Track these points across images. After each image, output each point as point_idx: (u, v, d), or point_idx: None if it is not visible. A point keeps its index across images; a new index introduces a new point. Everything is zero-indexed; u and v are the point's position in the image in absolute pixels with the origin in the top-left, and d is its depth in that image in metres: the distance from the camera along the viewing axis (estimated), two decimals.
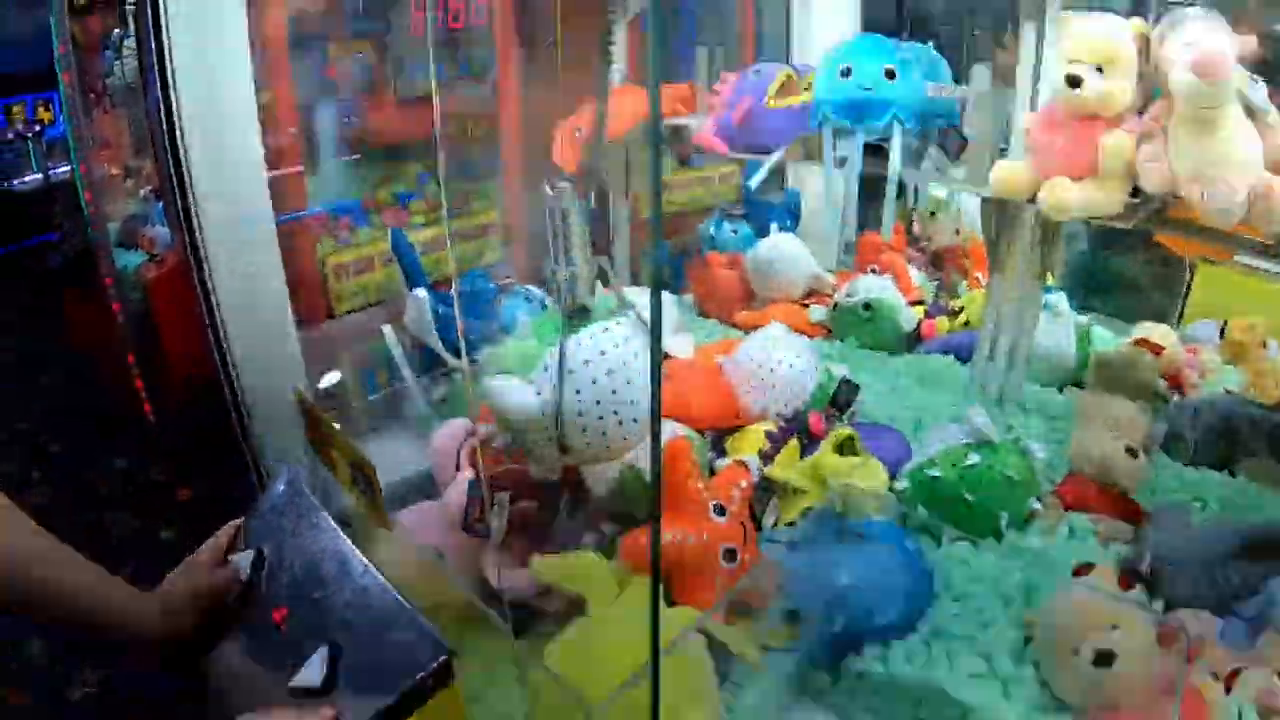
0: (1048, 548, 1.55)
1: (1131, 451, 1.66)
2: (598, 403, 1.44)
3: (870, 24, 3.19)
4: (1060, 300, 2.29)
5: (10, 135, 12.10)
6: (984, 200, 1.87)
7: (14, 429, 5.71)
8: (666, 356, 1.90)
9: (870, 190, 1.98)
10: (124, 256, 4.72)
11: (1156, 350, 2.25)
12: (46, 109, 12.23)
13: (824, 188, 1.91)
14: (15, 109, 12.20)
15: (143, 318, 4.43)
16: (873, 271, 2.56)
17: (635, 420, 1.48)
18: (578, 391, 1.43)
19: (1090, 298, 2.84)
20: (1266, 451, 1.85)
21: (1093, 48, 1.50)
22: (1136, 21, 1.52)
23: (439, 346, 2.07)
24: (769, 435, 1.73)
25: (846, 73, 1.79)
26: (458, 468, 1.60)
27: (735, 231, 2.85)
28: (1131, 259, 2.97)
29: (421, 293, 2.07)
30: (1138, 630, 1.23)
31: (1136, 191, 1.52)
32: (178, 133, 1.99)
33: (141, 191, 5.51)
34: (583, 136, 2.15)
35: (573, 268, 1.51)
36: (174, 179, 2.03)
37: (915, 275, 2.70)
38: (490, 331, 2.09)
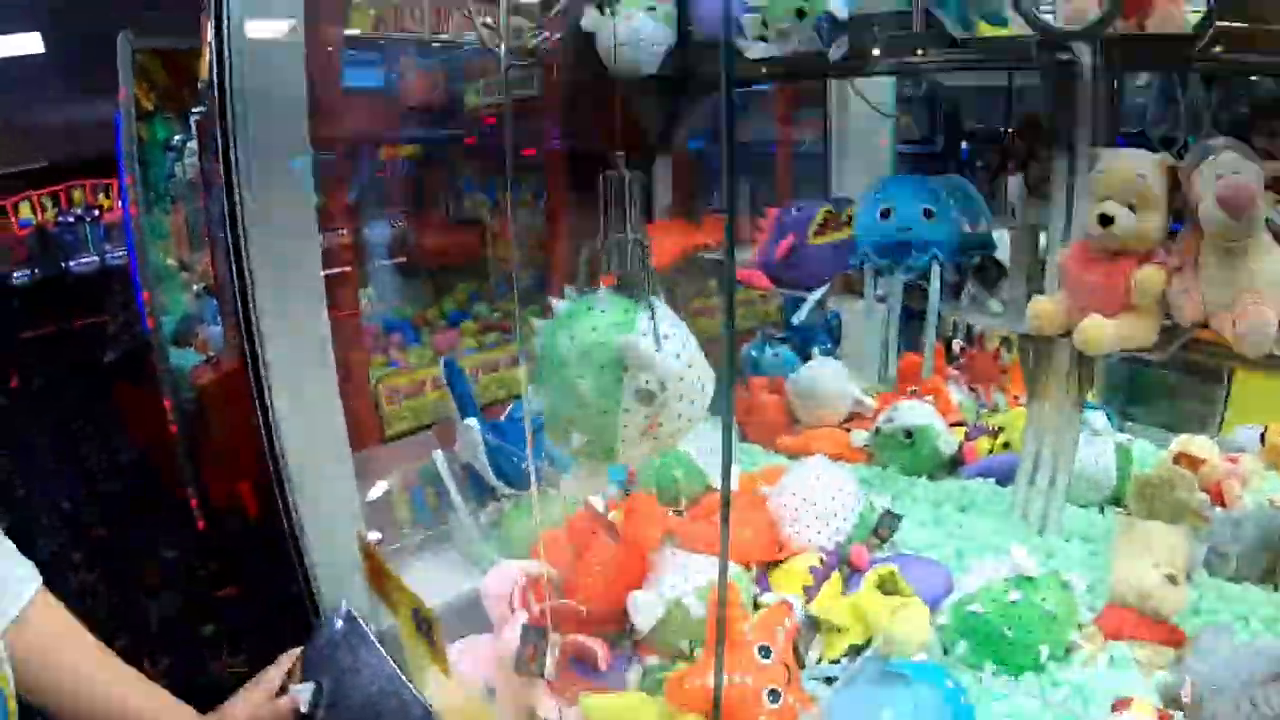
0: (1089, 679, 1.55)
1: (1171, 579, 1.66)
2: (690, 366, 1.45)
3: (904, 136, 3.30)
4: (1099, 419, 2.31)
5: (70, 218, 12.49)
6: (1021, 335, 1.90)
7: (60, 510, 5.78)
8: (709, 489, 1.95)
9: (911, 311, 2.03)
10: (178, 355, 4.85)
11: (1196, 464, 2.27)
12: (106, 195, 12.62)
13: (865, 316, 1.96)
14: (76, 193, 12.61)
15: (195, 416, 4.53)
16: (913, 394, 2.61)
17: (712, 380, 1.50)
18: (677, 355, 1.43)
19: (1130, 406, 2.86)
20: None
21: (1123, 185, 1.55)
22: (1164, 155, 1.56)
23: (490, 475, 2.12)
24: (813, 570, 1.77)
25: (886, 214, 1.85)
26: (511, 609, 1.64)
27: (777, 355, 2.90)
28: (1169, 367, 2.98)
29: (473, 422, 2.14)
30: None
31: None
32: (241, 240, 2.02)
33: (195, 288, 5.68)
34: None
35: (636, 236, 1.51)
36: (236, 290, 2.06)
37: (955, 394, 2.75)
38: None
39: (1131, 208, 1.54)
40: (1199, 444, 2.41)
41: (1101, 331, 1.58)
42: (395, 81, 2.81)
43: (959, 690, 1.49)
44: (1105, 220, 1.55)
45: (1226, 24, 1.51)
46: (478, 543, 2.15)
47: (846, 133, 3.24)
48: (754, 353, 2.95)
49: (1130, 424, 2.65)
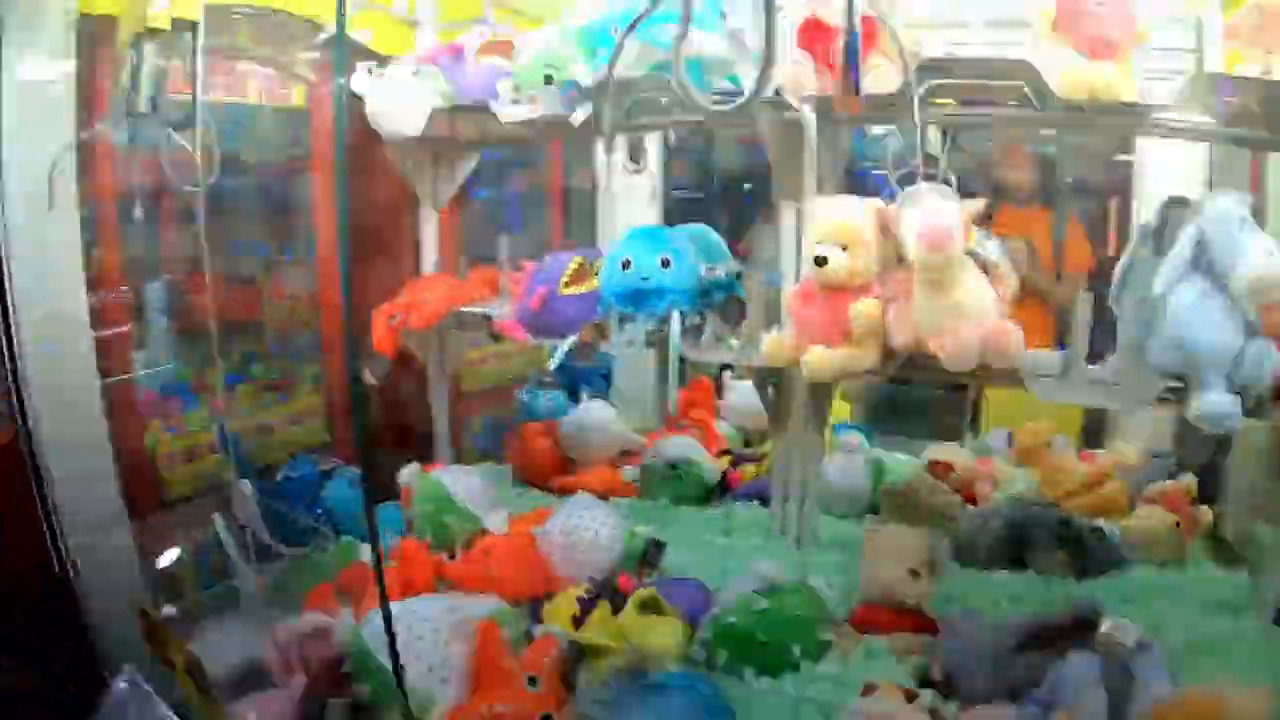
0: (845, 672, 1.70)
1: (914, 573, 1.83)
2: None
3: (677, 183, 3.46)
4: (853, 437, 2.51)
5: None
6: (756, 369, 2.04)
7: None
8: (484, 532, 2.02)
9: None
10: None
11: (947, 469, 2.47)
12: None
13: (635, 358, 2.04)
14: None
15: None
16: (681, 428, 2.77)
17: None
18: None
19: (889, 421, 3.07)
20: (1050, 544, 2.06)
21: (836, 229, 1.69)
22: (876, 201, 1.71)
23: (266, 535, 2.13)
24: (580, 600, 1.85)
25: (626, 264, 1.94)
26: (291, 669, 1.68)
27: (550, 400, 2.99)
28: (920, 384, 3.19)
29: (246, 485, 2.15)
30: None
31: None
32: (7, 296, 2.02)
33: None
34: (399, 322, 2.28)
35: None
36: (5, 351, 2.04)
37: (723, 426, 2.93)
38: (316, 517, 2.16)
39: (845, 249, 1.68)
40: (950, 451, 2.63)
41: (825, 360, 1.72)
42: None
43: (714, 693, 1.62)
44: (820, 261, 1.68)
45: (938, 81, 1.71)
46: (262, 602, 2.16)
47: (614, 201, 3.34)
48: (526, 398, 3.04)
49: (891, 438, 2.85)
